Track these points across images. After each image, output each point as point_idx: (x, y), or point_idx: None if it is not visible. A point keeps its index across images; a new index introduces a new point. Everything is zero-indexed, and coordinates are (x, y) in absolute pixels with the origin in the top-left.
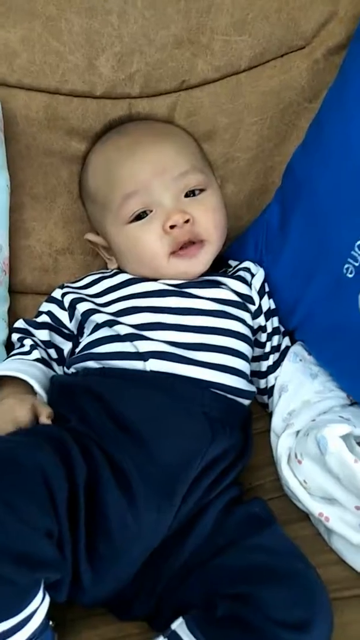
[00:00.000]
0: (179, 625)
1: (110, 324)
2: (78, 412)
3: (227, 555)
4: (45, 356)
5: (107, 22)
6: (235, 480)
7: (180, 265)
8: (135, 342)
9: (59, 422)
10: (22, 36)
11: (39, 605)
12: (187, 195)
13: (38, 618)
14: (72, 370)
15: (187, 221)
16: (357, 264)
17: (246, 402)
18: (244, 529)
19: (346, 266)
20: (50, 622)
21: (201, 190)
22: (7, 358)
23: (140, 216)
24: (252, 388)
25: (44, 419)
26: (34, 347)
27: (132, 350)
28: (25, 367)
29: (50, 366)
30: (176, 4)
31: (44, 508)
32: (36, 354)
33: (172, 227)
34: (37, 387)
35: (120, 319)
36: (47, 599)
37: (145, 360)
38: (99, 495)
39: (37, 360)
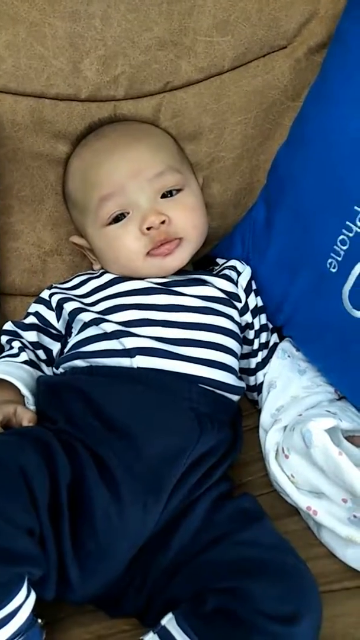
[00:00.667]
0: (168, 620)
1: (97, 322)
2: (64, 412)
3: (215, 550)
4: (34, 358)
5: (90, 25)
6: (225, 476)
7: (155, 265)
8: (122, 339)
9: (46, 423)
10: (7, 41)
11: (24, 601)
12: (164, 196)
13: (23, 614)
14: (60, 370)
15: (163, 222)
16: (339, 259)
17: (235, 397)
18: (233, 524)
19: (329, 261)
20: (39, 620)
21: (178, 191)
22: None
23: (118, 218)
24: (241, 384)
25: (26, 422)
26: (22, 349)
27: (119, 347)
28: (12, 369)
29: (38, 368)
30: (158, 6)
31: (25, 506)
32: (24, 356)
33: (148, 228)
34: (23, 390)
35: (107, 317)
36: (33, 595)
37: (132, 356)
38: (85, 493)
39: (25, 362)
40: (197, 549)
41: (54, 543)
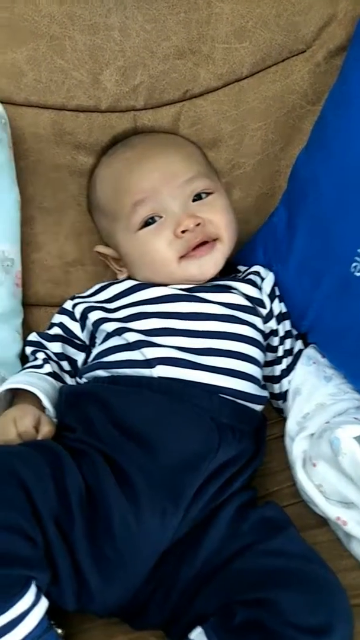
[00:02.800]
0: (197, 634)
1: (119, 332)
2: (83, 420)
3: (242, 561)
4: (57, 370)
5: (109, 37)
6: (247, 485)
7: (191, 267)
8: (143, 349)
9: (64, 432)
10: (28, 56)
11: (31, 607)
12: (195, 200)
13: (32, 620)
14: (83, 379)
15: (198, 224)
16: None
17: (258, 407)
18: (259, 533)
19: (354, 265)
20: (60, 630)
21: (208, 194)
22: (20, 371)
23: (148, 222)
24: (264, 393)
25: (41, 436)
26: (46, 360)
27: (140, 357)
28: (35, 380)
29: (61, 380)
30: (176, 15)
31: (21, 513)
32: (48, 367)
33: (184, 231)
34: (45, 402)
35: (129, 325)
36: (44, 602)
37: (153, 366)
38: (102, 500)
39: (48, 374)
40: (223, 560)
41: (64, 550)
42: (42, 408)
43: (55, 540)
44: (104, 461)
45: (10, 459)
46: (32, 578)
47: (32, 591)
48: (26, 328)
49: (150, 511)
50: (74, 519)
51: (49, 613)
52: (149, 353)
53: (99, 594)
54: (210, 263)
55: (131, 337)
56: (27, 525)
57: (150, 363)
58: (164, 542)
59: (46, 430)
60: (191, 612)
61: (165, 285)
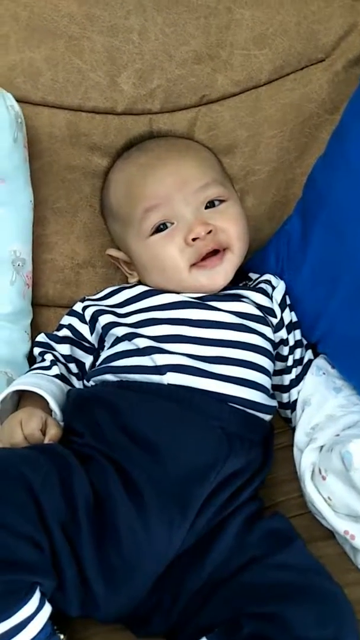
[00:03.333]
0: None
1: (129, 337)
2: (91, 426)
3: (250, 573)
4: (65, 372)
5: (128, 39)
6: (255, 495)
7: (202, 277)
8: (154, 356)
9: (72, 437)
10: (46, 55)
11: (35, 612)
12: (207, 207)
13: (36, 625)
14: (91, 383)
15: (209, 232)
16: None
17: (267, 417)
18: (266, 546)
19: None
20: (62, 636)
21: (221, 201)
22: (28, 372)
23: (160, 228)
24: (273, 403)
25: (47, 439)
26: (54, 362)
27: (150, 364)
28: (43, 382)
29: (69, 382)
30: (196, 20)
31: (28, 518)
32: (56, 369)
33: (194, 239)
34: (52, 404)
35: (140, 331)
36: (48, 607)
37: (163, 373)
38: (110, 507)
39: (56, 376)
40: (230, 572)
41: (70, 556)
42: (49, 411)
43: (61, 546)
44: (112, 468)
45: (17, 463)
46: (37, 584)
47: (36, 596)
48: (35, 328)
49: (158, 520)
50: (81, 525)
51: (52, 618)
52: (160, 359)
53: (103, 601)
54: (221, 275)
55: (141, 342)
56: (34, 531)
57: (160, 370)
58: (171, 552)
59: (53, 433)
60: (196, 622)
61: (176, 292)
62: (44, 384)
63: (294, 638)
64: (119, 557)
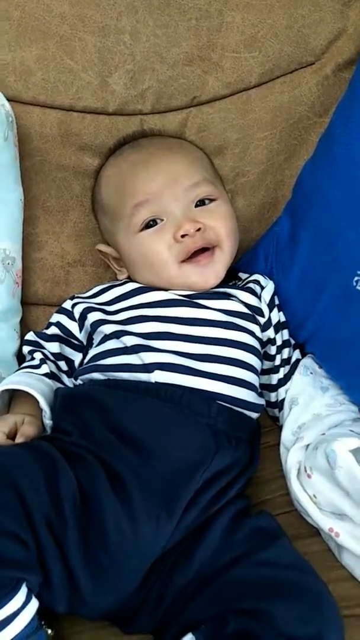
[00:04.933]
0: None
1: (117, 335)
2: (79, 424)
3: (236, 570)
4: (55, 370)
5: (119, 40)
6: (241, 493)
7: (192, 274)
8: (141, 354)
9: (60, 435)
10: (37, 55)
11: (21, 607)
12: (197, 205)
13: (22, 620)
14: (79, 381)
15: (198, 230)
16: None
17: (254, 415)
18: (252, 543)
19: (356, 279)
20: (49, 631)
21: (211, 200)
22: (17, 370)
23: (149, 224)
24: (261, 401)
25: (18, 438)
26: (43, 360)
27: (138, 362)
28: (33, 381)
29: (59, 380)
30: (187, 22)
31: (13, 515)
32: (45, 368)
33: (183, 236)
34: (42, 403)
35: (128, 328)
36: (35, 603)
37: (151, 371)
38: (97, 505)
39: (45, 374)
40: (217, 569)
41: (57, 554)
42: (40, 410)
43: (47, 543)
44: (99, 466)
45: (2, 461)
46: (23, 579)
47: (22, 592)
48: (24, 327)
49: (145, 518)
50: (67, 523)
51: (40, 613)
52: (147, 358)
53: (90, 598)
54: (212, 273)
55: (129, 340)
56: (19, 528)
57: (148, 368)
58: (158, 549)
59: (25, 429)
60: (183, 619)
61: (165, 289)
62: (34, 382)
63: (279, 635)
64: (106, 555)
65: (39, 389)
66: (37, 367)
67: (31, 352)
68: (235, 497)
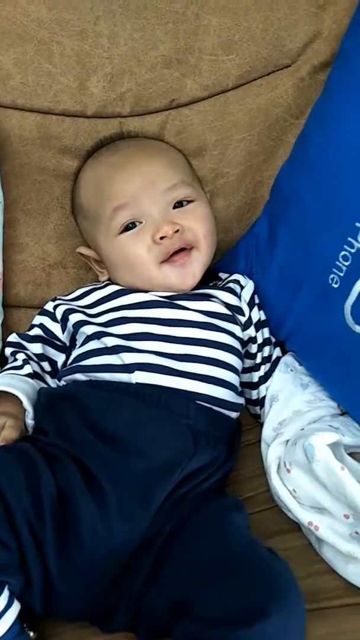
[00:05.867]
0: None
1: (98, 335)
2: (58, 423)
3: (187, 552)
4: (38, 370)
5: (97, 44)
6: (220, 489)
7: (172, 275)
8: (122, 354)
9: (36, 435)
10: (15, 59)
11: (3, 610)
12: (175, 207)
13: (4, 624)
14: (62, 382)
15: (176, 231)
16: (342, 274)
17: (233, 414)
18: (205, 522)
19: (331, 276)
20: (32, 634)
21: (189, 202)
22: (0, 372)
23: (128, 227)
24: (240, 400)
25: None
26: (26, 361)
27: (119, 362)
28: (16, 382)
29: (43, 380)
30: (164, 25)
31: None
32: (28, 368)
33: (162, 238)
34: (26, 404)
35: (109, 330)
36: (17, 605)
37: (131, 372)
38: (72, 505)
39: (28, 375)
40: (170, 552)
41: (36, 555)
42: (23, 410)
43: (28, 545)
44: (75, 466)
45: None
46: (5, 582)
47: (4, 595)
48: (6, 329)
49: (119, 517)
50: (46, 524)
51: (21, 616)
52: (128, 358)
53: (66, 598)
54: (189, 274)
55: (110, 341)
56: (2, 531)
57: (128, 368)
58: (131, 548)
59: (7, 433)
60: (145, 610)
61: (146, 291)
62: (17, 383)
63: (215, 622)
64: (81, 555)
65: (22, 390)
66: (20, 367)
67: (14, 354)
68: (213, 496)
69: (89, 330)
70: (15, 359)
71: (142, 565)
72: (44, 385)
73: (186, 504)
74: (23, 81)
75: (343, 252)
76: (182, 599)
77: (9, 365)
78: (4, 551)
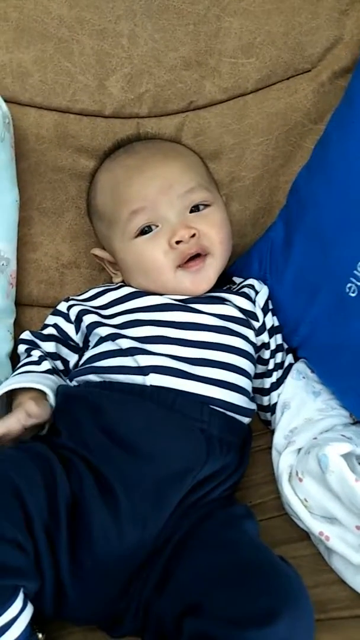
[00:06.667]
0: None
1: (113, 337)
2: (71, 424)
3: (197, 558)
4: (54, 366)
5: (117, 44)
6: (230, 496)
7: (185, 279)
8: (136, 357)
9: (50, 436)
10: (35, 57)
11: (19, 614)
12: (192, 211)
13: (19, 626)
14: (74, 382)
15: (193, 235)
16: (359, 284)
17: (246, 420)
18: (216, 529)
19: (349, 285)
20: (40, 635)
21: (206, 206)
22: (17, 368)
23: (144, 231)
24: (253, 406)
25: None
26: (43, 357)
27: (133, 364)
28: (40, 379)
29: (60, 375)
30: (185, 27)
31: (15, 522)
32: (46, 364)
33: (178, 242)
34: (52, 400)
35: (124, 332)
36: (30, 608)
37: (146, 374)
38: (84, 510)
39: (47, 371)
40: (180, 558)
41: (50, 559)
42: (49, 408)
43: (44, 550)
44: (87, 470)
45: (3, 466)
46: (21, 586)
47: (20, 598)
48: (18, 327)
49: (132, 523)
50: (61, 528)
51: (30, 618)
52: (143, 360)
53: (76, 602)
54: (203, 279)
55: (125, 343)
56: (20, 535)
57: (143, 370)
58: (142, 554)
59: (11, 422)
60: (153, 617)
61: (160, 294)
62: (40, 380)
63: (227, 621)
64: (92, 559)
65: (48, 386)
66: (38, 363)
67: (28, 350)
68: (224, 504)
69: (103, 332)
70: (30, 355)
71: (152, 571)
72: (62, 382)
73: (197, 512)
74: (42, 79)
75: None
76: (192, 602)
77: (25, 361)
78: (22, 555)
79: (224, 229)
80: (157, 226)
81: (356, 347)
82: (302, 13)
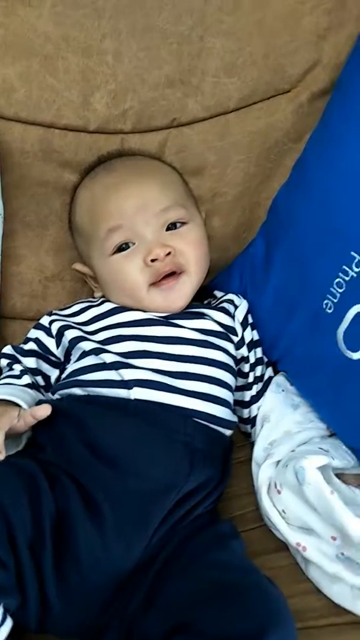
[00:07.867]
0: None
1: (96, 352)
2: (55, 440)
3: (185, 577)
4: (35, 382)
5: (102, 61)
6: (212, 510)
7: (158, 297)
8: (120, 371)
9: (33, 450)
10: (20, 72)
11: None
12: (169, 229)
13: None
14: (56, 396)
15: (168, 254)
16: (335, 301)
17: (228, 432)
18: (203, 548)
19: (325, 302)
20: None
21: (183, 224)
22: None
23: (122, 248)
24: (234, 418)
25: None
26: (24, 372)
27: (117, 378)
28: (16, 392)
29: (39, 390)
30: (169, 46)
31: None
32: (26, 379)
33: (153, 260)
34: None
35: (107, 347)
36: (9, 623)
37: (130, 388)
38: (70, 526)
39: (27, 385)
40: (166, 577)
41: (34, 575)
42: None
43: (27, 565)
44: (73, 485)
45: None
46: (0, 602)
47: None
48: (1, 341)
49: (116, 538)
50: (45, 544)
51: (11, 631)
52: (127, 374)
53: (60, 617)
54: (177, 297)
55: (108, 358)
56: (1, 550)
57: (127, 384)
58: (127, 569)
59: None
60: (139, 634)
61: (140, 310)
62: (18, 393)
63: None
64: (78, 575)
65: (25, 400)
66: (18, 377)
67: (9, 364)
68: (209, 521)
69: (86, 346)
70: (12, 369)
71: (137, 588)
72: (42, 397)
73: (183, 529)
74: (27, 94)
75: (337, 279)
76: (182, 620)
77: (7, 374)
78: (2, 572)
79: (200, 246)
80: (133, 243)
81: (332, 362)
82: (282, 36)
